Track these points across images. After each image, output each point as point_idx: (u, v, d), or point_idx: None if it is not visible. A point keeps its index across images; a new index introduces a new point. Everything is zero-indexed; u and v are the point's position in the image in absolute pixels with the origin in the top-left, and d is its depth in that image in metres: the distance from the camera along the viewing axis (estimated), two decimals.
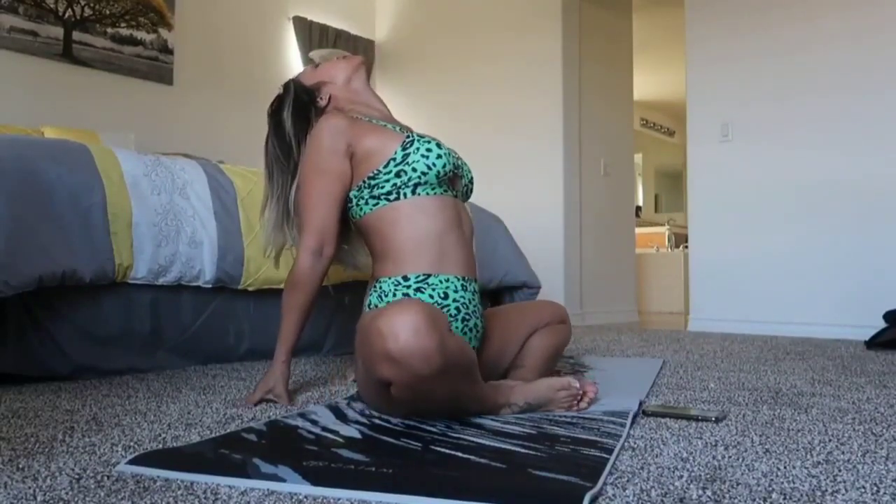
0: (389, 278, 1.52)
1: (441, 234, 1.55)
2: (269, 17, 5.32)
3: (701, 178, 4.27)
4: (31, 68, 4.05)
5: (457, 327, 1.52)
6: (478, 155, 4.93)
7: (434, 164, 1.55)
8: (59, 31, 4.16)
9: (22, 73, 4.01)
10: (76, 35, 4.24)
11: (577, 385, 1.49)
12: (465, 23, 5.33)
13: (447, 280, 1.52)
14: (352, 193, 1.60)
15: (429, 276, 1.51)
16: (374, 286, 1.56)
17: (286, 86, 1.77)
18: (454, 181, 1.65)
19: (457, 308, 1.52)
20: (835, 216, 3.75)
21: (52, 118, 3.98)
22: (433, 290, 1.51)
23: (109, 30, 4.39)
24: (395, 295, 1.50)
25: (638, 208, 8.76)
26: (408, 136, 1.60)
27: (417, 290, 1.50)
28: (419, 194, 1.55)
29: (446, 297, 1.51)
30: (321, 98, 1.75)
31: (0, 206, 1.75)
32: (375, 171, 1.56)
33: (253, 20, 5.21)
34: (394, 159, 1.55)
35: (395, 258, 1.53)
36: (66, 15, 4.19)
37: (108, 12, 4.38)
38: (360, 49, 5.76)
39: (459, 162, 1.70)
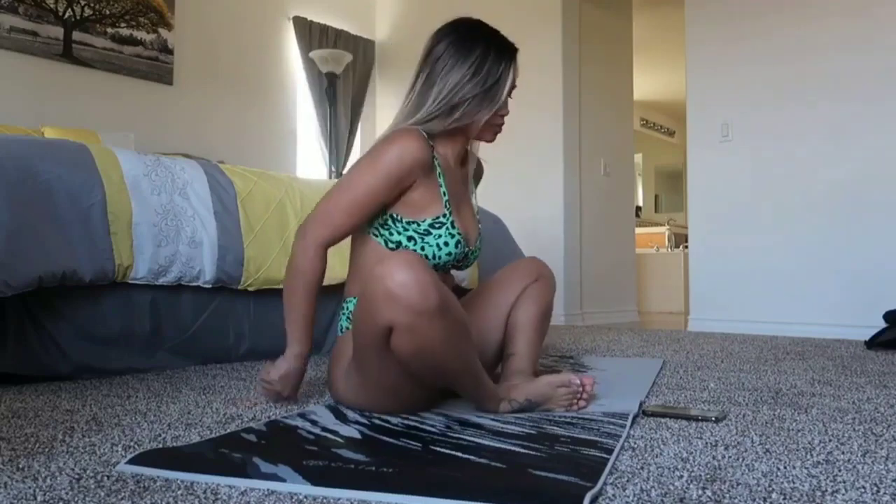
0: (355, 298, 1.51)
1: None
2: (269, 17, 5.32)
3: (701, 179, 4.27)
4: (31, 68, 4.05)
5: None
6: (478, 155, 4.93)
7: (439, 257, 1.52)
8: (59, 31, 4.16)
9: (22, 73, 4.01)
10: (76, 35, 4.24)
11: (577, 381, 1.49)
12: None
13: None
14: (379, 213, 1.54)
15: None
16: (343, 306, 1.56)
17: (497, 84, 1.56)
18: (459, 262, 1.61)
19: None
20: (835, 216, 3.76)
21: (52, 118, 3.98)
22: None
23: (109, 30, 4.39)
24: None
25: (638, 208, 8.76)
26: (443, 216, 1.52)
27: None
28: (407, 247, 1.51)
29: None
30: (455, 113, 1.53)
31: (0, 206, 1.75)
32: (399, 216, 1.51)
33: (253, 20, 5.21)
34: (416, 223, 1.50)
35: (359, 279, 1.51)
36: (66, 15, 4.20)
37: (107, 12, 4.38)
38: (360, 49, 5.77)
39: (475, 248, 1.63)
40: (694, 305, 4.26)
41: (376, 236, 1.54)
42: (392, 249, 1.51)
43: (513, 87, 1.60)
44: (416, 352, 1.29)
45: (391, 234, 1.52)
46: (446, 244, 1.52)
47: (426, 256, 1.52)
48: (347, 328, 1.52)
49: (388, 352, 1.30)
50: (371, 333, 1.30)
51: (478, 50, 1.52)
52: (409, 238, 1.51)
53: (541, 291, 1.68)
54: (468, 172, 1.71)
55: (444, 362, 1.34)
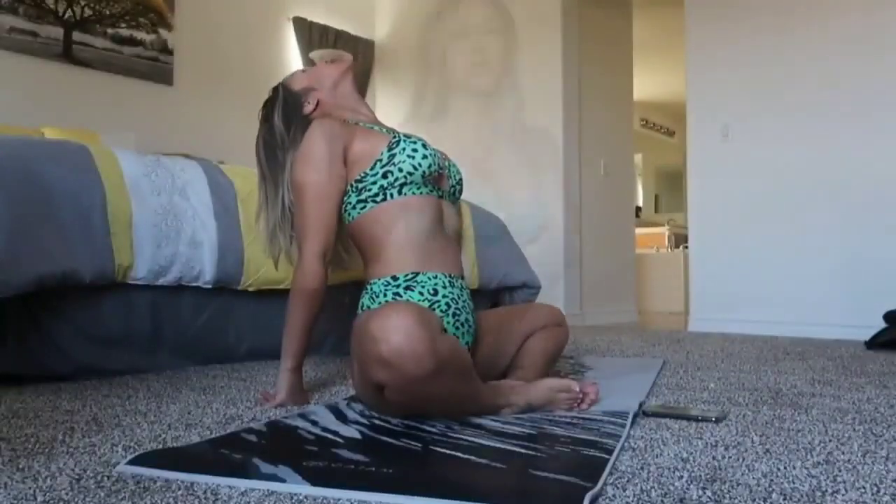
0: (379, 279, 1.55)
1: (426, 233, 1.57)
2: (269, 18, 5.32)
3: (701, 179, 4.27)
4: (31, 69, 4.05)
5: (448, 322, 1.53)
6: (478, 155, 4.94)
7: (420, 164, 1.58)
8: (58, 32, 4.16)
9: (22, 74, 4.01)
10: (76, 35, 4.24)
11: (578, 388, 1.49)
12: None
13: (435, 277, 1.55)
14: (343, 198, 1.63)
15: (417, 274, 1.53)
16: (366, 289, 1.58)
17: (275, 89, 1.79)
18: (440, 181, 1.67)
19: (447, 304, 1.54)
20: (835, 216, 3.75)
21: (52, 119, 3.98)
22: (422, 287, 1.53)
23: (109, 30, 4.39)
24: (385, 295, 1.52)
25: (638, 208, 8.76)
26: (394, 137, 1.62)
27: (407, 288, 1.52)
28: (405, 194, 1.57)
29: (436, 293, 1.53)
30: (308, 102, 1.76)
31: (0, 206, 1.75)
32: (363, 174, 1.58)
33: (253, 21, 5.21)
34: (380, 160, 1.58)
35: (383, 260, 1.56)
36: (66, 15, 4.19)
37: (107, 13, 4.38)
38: (360, 50, 5.77)
39: (447, 163, 1.73)
40: (694, 305, 4.26)
41: (360, 210, 1.58)
42: (380, 202, 1.56)
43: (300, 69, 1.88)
44: (411, 402, 1.32)
45: (368, 192, 1.57)
46: (415, 150, 1.59)
47: (408, 173, 1.55)
48: (368, 307, 1.54)
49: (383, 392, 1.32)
50: (365, 382, 1.35)
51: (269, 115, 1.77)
52: (383, 175, 1.56)
53: (559, 335, 1.80)
54: (373, 115, 1.84)
55: (441, 404, 1.36)
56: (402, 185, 1.56)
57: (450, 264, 1.59)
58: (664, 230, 8.54)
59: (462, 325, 1.57)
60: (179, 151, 4.22)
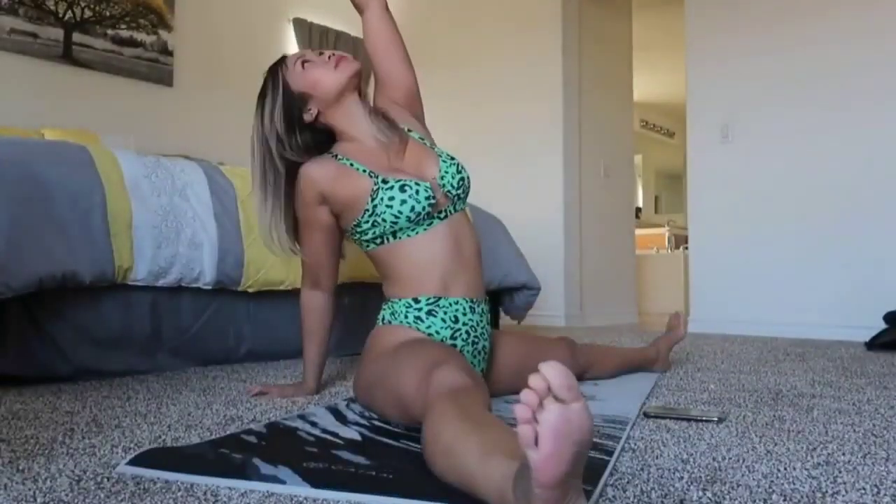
0: (400, 300, 1.53)
1: (441, 262, 1.53)
2: (270, 19, 5.32)
3: (701, 180, 4.27)
4: (32, 70, 4.05)
5: (467, 350, 1.53)
6: (478, 156, 4.93)
7: (400, 212, 1.49)
8: (59, 33, 4.17)
9: (22, 75, 4.01)
10: (76, 37, 4.24)
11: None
12: (464, 24, 5.34)
13: (456, 303, 1.52)
14: (348, 233, 1.62)
15: (439, 298, 1.51)
16: (387, 304, 1.57)
17: (275, 81, 1.64)
18: (437, 207, 1.54)
19: (467, 332, 1.53)
20: (835, 217, 3.75)
21: (52, 120, 3.98)
22: (444, 313, 1.51)
23: (109, 31, 4.39)
24: (406, 317, 1.51)
25: (638, 210, 8.75)
26: (374, 184, 1.52)
27: (429, 312, 1.50)
28: (400, 238, 1.53)
29: (457, 321, 1.52)
30: (309, 111, 1.63)
31: (0, 207, 1.75)
32: (357, 220, 1.55)
33: (253, 21, 5.21)
34: (367, 210, 1.52)
35: (404, 280, 1.54)
36: (67, 17, 4.20)
37: (108, 14, 4.39)
38: (360, 50, 5.77)
39: (441, 171, 1.58)
40: (694, 306, 4.26)
41: (367, 248, 1.60)
42: (382, 245, 1.55)
43: (298, 58, 1.66)
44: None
45: (368, 237, 1.56)
46: (392, 199, 1.49)
47: (392, 223, 1.49)
48: (389, 321, 1.55)
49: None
50: (378, 400, 1.41)
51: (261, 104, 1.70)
52: (373, 225, 1.52)
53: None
54: (388, 123, 1.64)
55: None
56: (394, 233, 1.53)
57: (471, 288, 1.56)
58: (664, 231, 8.55)
59: (479, 352, 1.57)
60: (179, 152, 4.21)
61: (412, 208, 1.49)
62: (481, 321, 1.57)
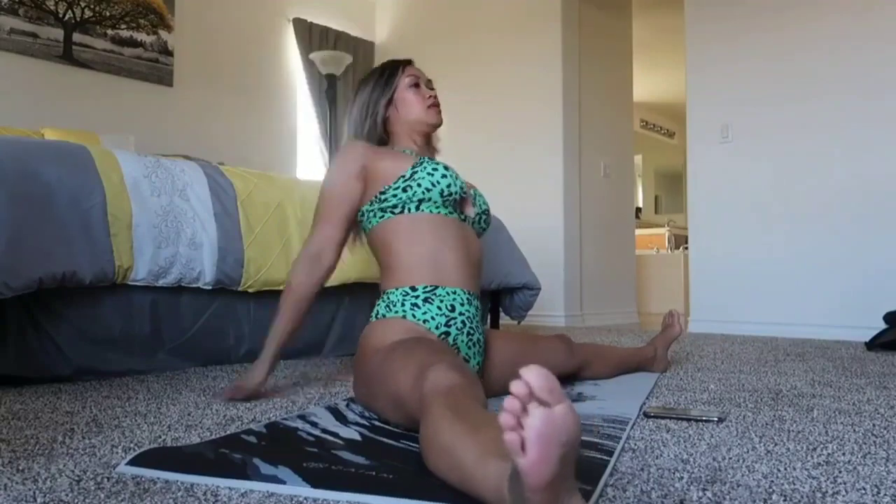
0: (397, 289, 1.54)
1: (445, 249, 1.57)
2: (269, 19, 5.32)
3: (701, 180, 4.27)
4: (32, 70, 4.06)
5: (462, 341, 1.53)
6: (478, 157, 4.93)
7: (438, 182, 1.59)
8: (59, 33, 4.17)
9: (22, 75, 4.02)
10: (76, 37, 4.24)
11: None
12: (464, 25, 5.34)
13: (454, 292, 1.54)
14: (364, 208, 1.65)
15: (436, 287, 1.53)
16: (382, 297, 1.58)
17: (391, 75, 1.78)
18: (464, 206, 1.69)
19: (462, 322, 1.54)
20: (835, 217, 3.75)
21: (53, 120, 3.98)
22: (441, 301, 1.52)
23: (109, 31, 4.39)
24: (403, 305, 1.51)
25: (638, 210, 8.76)
26: (419, 161, 1.64)
27: (426, 300, 1.51)
28: (422, 210, 1.58)
29: (453, 309, 1.53)
30: (388, 109, 1.77)
31: (0, 207, 1.75)
32: (385, 188, 1.61)
33: (253, 22, 5.21)
34: (403, 176, 1.60)
35: (401, 269, 1.56)
36: (67, 17, 4.20)
37: (108, 14, 4.39)
38: (360, 50, 5.77)
39: (473, 191, 1.76)
40: (694, 307, 4.26)
41: (379, 219, 1.61)
42: (397, 214, 1.59)
43: (415, 78, 1.80)
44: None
45: (388, 203, 1.59)
46: (434, 170, 1.61)
47: (426, 189, 1.58)
48: (383, 315, 1.54)
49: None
50: (375, 397, 1.41)
51: (370, 78, 1.81)
52: (403, 189, 1.59)
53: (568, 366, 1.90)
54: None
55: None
56: (420, 202, 1.58)
57: (469, 281, 1.59)
58: (664, 231, 8.55)
59: (474, 344, 1.57)
60: (179, 153, 4.22)
61: (449, 185, 1.60)
62: (476, 315, 1.59)
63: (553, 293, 4.62)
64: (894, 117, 3.61)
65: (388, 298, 1.55)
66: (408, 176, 1.60)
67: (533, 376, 0.70)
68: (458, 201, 1.66)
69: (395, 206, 1.60)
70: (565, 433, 0.70)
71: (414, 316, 1.50)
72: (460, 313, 1.53)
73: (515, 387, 0.70)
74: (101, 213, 1.99)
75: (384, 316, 1.53)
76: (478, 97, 5.16)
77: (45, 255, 1.82)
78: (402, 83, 1.77)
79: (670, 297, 6.98)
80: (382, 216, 1.61)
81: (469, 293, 1.57)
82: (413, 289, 1.53)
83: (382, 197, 1.61)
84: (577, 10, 4.98)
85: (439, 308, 1.51)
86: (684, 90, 4.39)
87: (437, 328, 1.50)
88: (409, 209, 1.59)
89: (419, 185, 1.58)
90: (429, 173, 1.60)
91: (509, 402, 0.70)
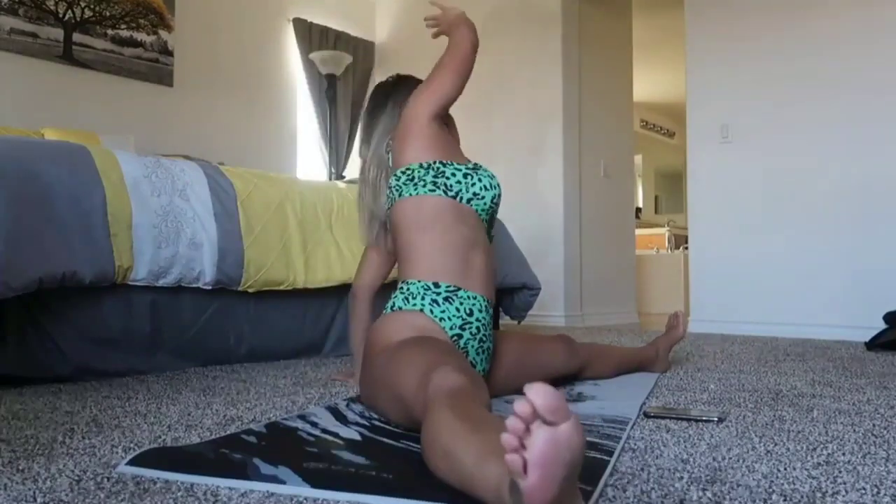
0: (419, 281, 1.51)
1: (468, 248, 1.55)
2: (269, 19, 5.32)
3: (701, 180, 4.27)
4: (32, 70, 4.05)
5: (472, 346, 1.52)
6: (478, 157, 4.93)
7: (494, 187, 1.63)
8: (59, 33, 4.16)
9: (22, 75, 4.01)
10: (76, 37, 4.24)
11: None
12: None
13: (475, 298, 1.53)
14: (415, 166, 1.59)
15: (459, 289, 1.51)
16: (401, 287, 1.54)
17: (403, 89, 1.85)
18: (491, 221, 1.70)
19: (477, 328, 1.53)
20: (835, 217, 3.75)
21: (52, 120, 3.98)
22: (461, 303, 1.50)
23: (109, 31, 4.39)
24: (423, 299, 1.48)
25: (638, 210, 8.75)
26: (470, 166, 1.64)
27: (446, 299, 1.49)
28: (455, 196, 1.56)
29: (471, 314, 1.51)
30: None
31: (0, 207, 1.75)
32: (448, 161, 1.59)
33: (253, 22, 5.21)
34: (461, 168, 1.59)
35: (424, 260, 1.53)
36: (67, 17, 4.20)
37: (108, 14, 4.38)
38: (360, 50, 5.77)
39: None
40: (694, 307, 4.25)
41: (413, 191, 1.57)
42: (433, 192, 1.56)
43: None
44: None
45: (430, 175, 1.57)
46: (491, 177, 1.64)
47: (485, 188, 1.60)
48: (400, 308, 1.51)
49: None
50: (378, 392, 1.42)
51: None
52: (465, 175, 1.59)
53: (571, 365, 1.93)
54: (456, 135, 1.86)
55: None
56: (474, 196, 1.59)
57: (489, 289, 1.58)
58: (664, 231, 8.55)
59: (484, 351, 1.57)
60: (179, 153, 4.22)
61: (493, 197, 1.62)
62: (489, 323, 1.58)
63: (553, 293, 4.62)
64: (894, 117, 3.61)
65: (409, 289, 1.51)
66: (471, 167, 1.61)
67: (537, 395, 0.67)
68: (492, 216, 1.67)
69: (450, 187, 1.56)
70: (569, 452, 0.68)
71: (432, 312, 1.47)
72: (477, 319, 1.52)
73: (519, 406, 0.68)
74: (101, 213, 1.99)
75: (401, 309, 1.50)
76: (477, 97, 5.15)
77: (45, 255, 1.82)
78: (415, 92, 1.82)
79: (670, 298, 6.98)
80: (434, 190, 1.56)
81: (488, 301, 1.56)
82: (436, 285, 1.50)
83: (442, 168, 1.57)
84: (578, 10, 4.98)
85: (458, 310, 1.49)
86: (684, 90, 4.39)
87: (451, 329, 1.48)
88: (463, 198, 1.57)
89: (480, 180, 1.59)
90: (488, 177, 1.62)
91: (512, 422, 0.68)
